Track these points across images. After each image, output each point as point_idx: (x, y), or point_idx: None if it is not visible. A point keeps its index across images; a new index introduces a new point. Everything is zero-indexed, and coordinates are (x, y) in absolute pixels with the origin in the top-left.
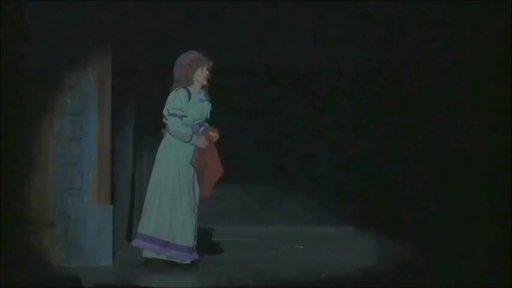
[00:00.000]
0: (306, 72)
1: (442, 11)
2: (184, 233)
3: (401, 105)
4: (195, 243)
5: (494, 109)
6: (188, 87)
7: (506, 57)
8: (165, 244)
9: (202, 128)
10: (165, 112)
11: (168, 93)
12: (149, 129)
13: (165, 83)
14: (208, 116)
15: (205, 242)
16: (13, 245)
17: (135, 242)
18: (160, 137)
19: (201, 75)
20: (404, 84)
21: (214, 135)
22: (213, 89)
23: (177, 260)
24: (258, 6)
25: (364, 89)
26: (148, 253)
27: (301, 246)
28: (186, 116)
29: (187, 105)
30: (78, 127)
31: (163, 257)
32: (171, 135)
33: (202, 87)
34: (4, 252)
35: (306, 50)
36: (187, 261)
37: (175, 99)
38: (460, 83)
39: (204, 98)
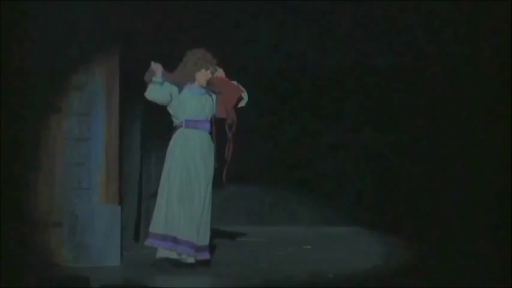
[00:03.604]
0: (310, 72)
1: (442, 11)
2: (192, 229)
3: (405, 105)
4: (206, 242)
5: (495, 109)
6: (186, 84)
7: (506, 57)
8: (175, 240)
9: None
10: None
11: None
12: (157, 129)
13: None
14: (214, 112)
15: (212, 242)
16: (21, 245)
17: (148, 242)
18: (168, 137)
19: (203, 77)
20: (406, 84)
21: (220, 72)
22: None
23: (183, 256)
24: (267, 8)
25: (367, 89)
26: (161, 252)
27: (309, 247)
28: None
29: (174, 90)
30: (86, 127)
31: (174, 254)
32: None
33: (203, 87)
34: (12, 252)
35: (309, 50)
36: (191, 260)
37: None
38: (460, 84)
39: (205, 92)
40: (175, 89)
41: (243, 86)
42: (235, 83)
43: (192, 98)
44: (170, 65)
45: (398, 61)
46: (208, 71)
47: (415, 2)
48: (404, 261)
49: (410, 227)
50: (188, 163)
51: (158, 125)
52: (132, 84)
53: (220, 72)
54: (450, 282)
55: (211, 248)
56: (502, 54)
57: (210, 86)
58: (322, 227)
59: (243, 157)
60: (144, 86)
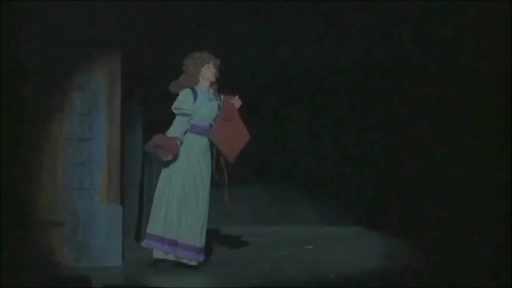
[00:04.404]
0: (310, 73)
1: (442, 10)
2: (192, 233)
3: (406, 105)
4: (203, 244)
5: (495, 108)
6: (195, 87)
7: (506, 57)
8: (174, 243)
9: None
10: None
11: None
12: (158, 129)
13: None
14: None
15: (214, 242)
16: (22, 245)
17: (145, 243)
18: None
19: (208, 73)
20: (405, 85)
21: (237, 102)
22: (220, 90)
23: (184, 261)
24: (266, 7)
25: (367, 89)
26: (158, 253)
27: (311, 247)
28: (189, 114)
29: (190, 104)
30: (87, 127)
31: (171, 257)
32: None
33: (211, 85)
34: (13, 252)
35: (308, 50)
36: (193, 262)
37: (176, 100)
38: (460, 84)
39: (213, 98)
40: (189, 102)
41: (243, 86)
42: (237, 101)
43: (202, 106)
44: (170, 66)
45: (398, 62)
46: (211, 66)
47: (416, 2)
48: (405, 261)
49: (411, 227)
50: (193, 167)
51: (160, 125)
52: (134, 84)
53: (237, 102)
54: (450, 282)
55: (212, 248)
56: (502, 54)
57: (213, 87)
58: (323, 227)
59: (244, 157)
60: (145, 85)
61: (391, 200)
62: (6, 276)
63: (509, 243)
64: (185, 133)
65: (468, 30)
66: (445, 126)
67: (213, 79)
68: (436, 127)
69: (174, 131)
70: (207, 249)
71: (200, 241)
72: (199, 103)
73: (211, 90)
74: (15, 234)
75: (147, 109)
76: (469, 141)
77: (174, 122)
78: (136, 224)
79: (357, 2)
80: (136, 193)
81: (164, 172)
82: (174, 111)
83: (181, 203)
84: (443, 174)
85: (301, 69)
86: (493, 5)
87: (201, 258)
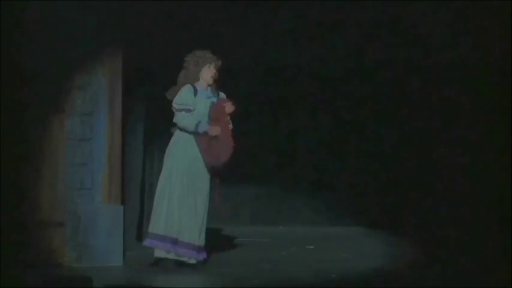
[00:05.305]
0: (309, 71)
1: (442, 10)
2: (193, 231)
3: (406, 104)
4: (204, 242)
5: (495, 108)
6: (195, 84)
7: (506, 57)
8: (175, 241)
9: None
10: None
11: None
12: (159, 129)
13: (175, 83)
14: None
15: (214, 242)
16: (23, 245)
17: (147, 242)
18: (171, 136)
19: (208, 74)
20: (405, 85)
21: (228, 107)
22: (220, 89)
23: (184, 259)
24: (264, 7)
25: (368, 90)
26: (159, 252)
27: (311, 247)
28: (192, 110)
29: (192, 100)
30: (88, 127)
31: (172, 255)
32: (180, 130)
33: (209, 85)
34: (14, 252)
35: (310, 49)
36: (193, 261)
37: (178, 95)
38: (460, 84)
39: (211, 95)
40: (192, 97)
41: (241, 84)
42: (229, 106)
43: (201, 103)
44: (171, 66)
45: (398, 62)
46: (212, 67)
47: (414, 2)
48: (407, 261)
49: (413, 227)
50: (193, 165)
51: (161, 125)
52: (135, 84)
53: (229, 107)
54: (451, 282)
55: (212, 248)
56: (502, 54)
57: (212, 86)
58: (324, 227)
59: (244, 157)
60: (146, 85)
61: (391, 200)
62: (6, 276)
63: (509, 243)
64: None
65: (468, 30)
66: (445, 126)
67: (211, 81)
68: (436, 127)
69: (194, 121)
70: (208, 249)
71: (199, 240)
72: (198, 99)
73: (209, 88)
74: (16, 234)
75: (149, 109)
76: (470, 141)
77: (181, 118)
78: (137, 224)
79: (357, 2)
80: (137, 193)
81: (165, 171)
82: (175, 106)
83: (182, 202)
84: (444, 174)
85: (301, 67)
86: (493, 5)
87: (201, 257)
